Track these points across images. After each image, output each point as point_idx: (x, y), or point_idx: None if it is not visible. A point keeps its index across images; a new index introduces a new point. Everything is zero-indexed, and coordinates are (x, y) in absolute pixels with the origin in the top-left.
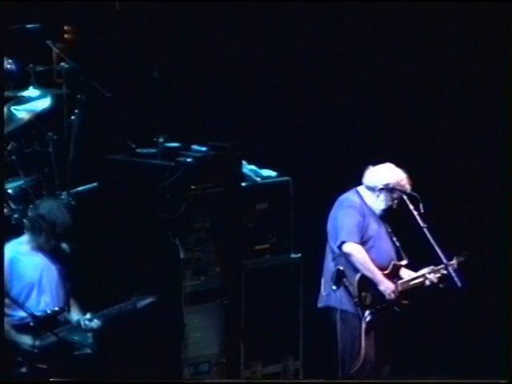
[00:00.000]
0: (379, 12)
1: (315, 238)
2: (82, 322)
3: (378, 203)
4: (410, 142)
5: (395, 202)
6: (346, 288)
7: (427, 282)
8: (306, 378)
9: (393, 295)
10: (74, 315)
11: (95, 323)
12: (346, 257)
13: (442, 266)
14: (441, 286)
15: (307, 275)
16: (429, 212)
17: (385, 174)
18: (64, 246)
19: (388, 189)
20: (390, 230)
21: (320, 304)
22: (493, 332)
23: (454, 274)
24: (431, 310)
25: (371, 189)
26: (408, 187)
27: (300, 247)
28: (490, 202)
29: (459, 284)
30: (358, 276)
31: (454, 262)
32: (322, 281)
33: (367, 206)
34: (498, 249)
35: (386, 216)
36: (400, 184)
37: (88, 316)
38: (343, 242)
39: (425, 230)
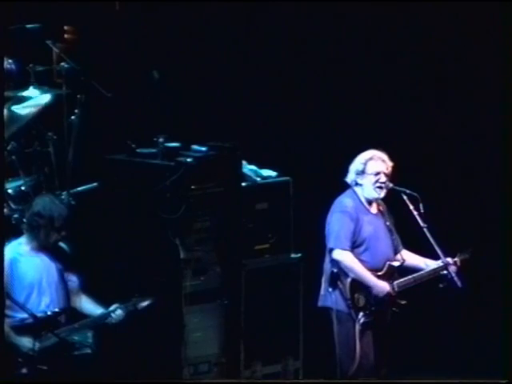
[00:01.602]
0: (376, 11)
1: (315, 238)
2: (113, 314)
3: (367, 190)
4: (410, 141)
5: (383, 181)
6: (340, 290)
7: (449, 273)
8: (305, 378)
9: (386, 298)
10: (94, 309)
11: (120, 314)
12: (336, 263)
13: (456, 257)
14: (441, 285)
15: (307, 275)
16: (429, 212)
17: (354, 162)
18: (63, 245)
19: (360, 171)
20: (390, 228)
21: (319, 303)
22: (493, 332)
23: (453, 274)
24: (431, 310)
25: (354, 183)
26: (380, 156)
27: (300, 247)
28: (490, 201)
29: (459, 284)
30: (349, 279)
31: (456, 259)
32: (323, 280)
33: (363, 205)
34: (498, 248)
35: (387, 201)
36: (367, 158)
37: (113, 308)
38: (332, 249)
39: (425, 229)
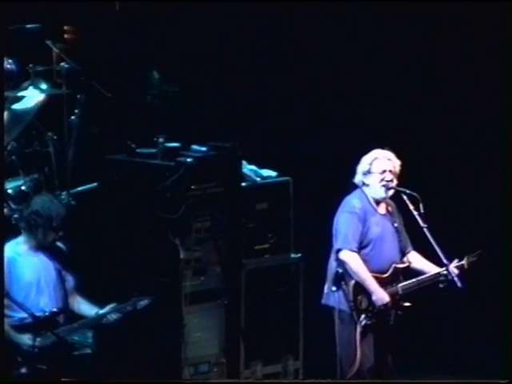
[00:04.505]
0: (376, 10)
1: (315, 238)
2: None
3: (374, 190)
4: (410, 141)
5: (389, 179)
6: (344, 291)
7: (449, 273)
8: (306, 378)
9: (383, 308)
10: (89, 310)
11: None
12: (342, 264)
13: (463, 260)
14: (441, 285)
15: (307, 275)
16: (429, 212)
17: (361, 163)
18: (61, 245)
19: (367, 171)
20: (398, 229)
21: (323, 301)
22: (493, 332)
23: (453, 275)
24: (431, 311)
25: (361, 183)
26: (386, 155)
27: (300, 247)
28: (490, 201)
29: (459, 284)
30: (353, 281)
31: (464, 262)
32: (327, 278)
33: (371, 206)
34: (499, 248)
35: (396, 197)
36: (373, 158)
37: (106, 310)
38: (339, 250)
39: (425, 229)
